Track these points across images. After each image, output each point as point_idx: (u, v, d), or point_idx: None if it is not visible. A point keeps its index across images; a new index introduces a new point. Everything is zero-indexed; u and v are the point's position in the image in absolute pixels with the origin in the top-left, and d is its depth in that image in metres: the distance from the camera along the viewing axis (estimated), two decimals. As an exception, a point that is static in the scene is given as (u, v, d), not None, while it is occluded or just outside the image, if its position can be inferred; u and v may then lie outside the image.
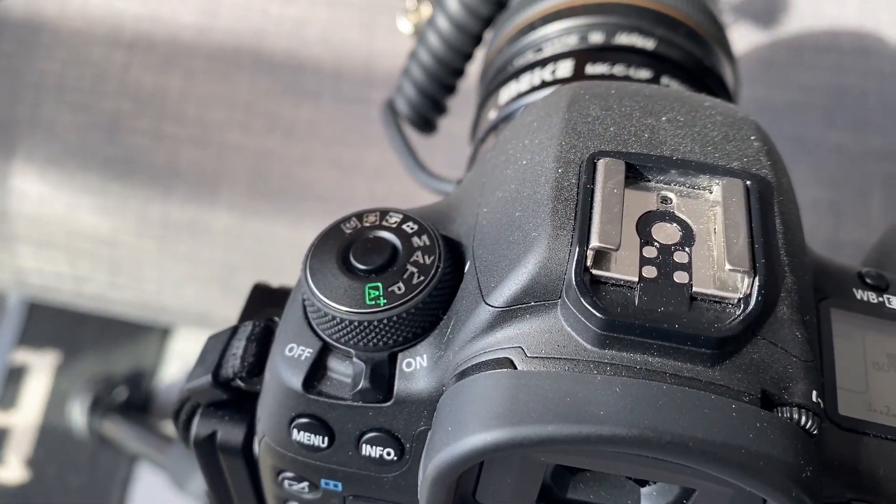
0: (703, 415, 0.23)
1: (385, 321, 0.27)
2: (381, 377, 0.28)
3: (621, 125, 0.28)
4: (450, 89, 0.54)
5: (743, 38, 0.80)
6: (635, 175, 0.27)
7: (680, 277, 0.24)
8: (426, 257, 0.28)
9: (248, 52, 0.79)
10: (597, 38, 0.44)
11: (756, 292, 0.24)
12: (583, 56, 0.43)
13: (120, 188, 0.77)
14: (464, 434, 0.24)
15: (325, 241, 0.29)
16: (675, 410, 0.23)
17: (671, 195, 0.26)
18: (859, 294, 0.31)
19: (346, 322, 0.28)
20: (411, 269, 0.28)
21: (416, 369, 0.28)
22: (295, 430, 0.29)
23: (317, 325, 0.29)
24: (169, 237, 0.77)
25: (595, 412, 0.23)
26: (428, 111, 0.55)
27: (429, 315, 0.28)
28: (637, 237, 0.25)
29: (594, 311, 0.24)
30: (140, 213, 0.77)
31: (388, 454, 0.29)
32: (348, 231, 0.29)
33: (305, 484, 0.31)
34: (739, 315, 0.24)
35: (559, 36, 0.45)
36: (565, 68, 0.42)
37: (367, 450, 0.29)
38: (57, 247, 0.78)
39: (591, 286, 0.24)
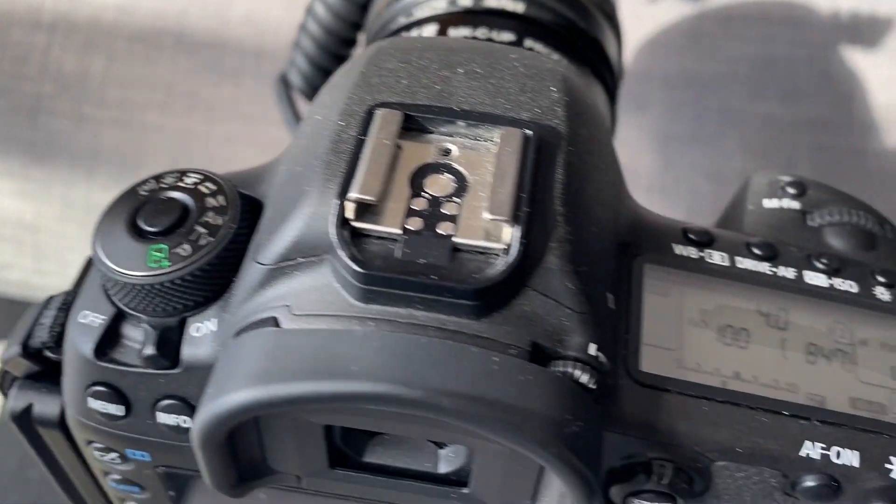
0: (460, 368, 0.22)
1: (168, 284, 0.27)
2: (169, 343, 0.27)
3: (415, 77, 0.27)
4: (341, 59, 0.54)
5: (670, 10, 0.79)
6: (418, 127, 0.26)
7: (444, 229, 0.24)
8: (218, 217, 0.28)
9: (171, 32, 0.78)
10: (466, 1, 0.43)
11: (517, 241, 0.23)
12: (447, 19, 0.42)
13: (42, 172, 0.76)
14: (219, 396, 0.23)
15: (119, 205, 0.28)
16: (430, 364, 0.22)
17: (452, 147, 0.25)
18: (678, 249, 0.30)
19: (130, 286, 0.27)
20: (200, 230, 0.27)
21: (205, 334, 0.27)
22: (91, 399, 0.28)
23: (109, 291, 0.28)
24: (93, 221, 0.76)
25: (348, 368, 0.22)
26: (321, 83, 0.54)
27: (219, 277, 0.27)
28: (409, 189, 0.24)
29: (353, 265, 0.23)
30: (63, 197, 0.76)
31: (185, 422, 0.28)
32: (143, 193, 0.28)
33: (115, 455, 0.30)
34: (500, 265, 0.23)
35: (427, 0, 0.44)
36: (429, 32, 0.42)
37: (163, 417, 0.28)
38: (-22, 233, 0.78)
39: (353, 239, 0.23)
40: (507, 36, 0.41)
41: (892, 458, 0.27)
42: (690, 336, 0.28)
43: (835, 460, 0.27)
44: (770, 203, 0.33)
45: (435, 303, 0.23)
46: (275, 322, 0.24)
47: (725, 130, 0.76)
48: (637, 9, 0.79)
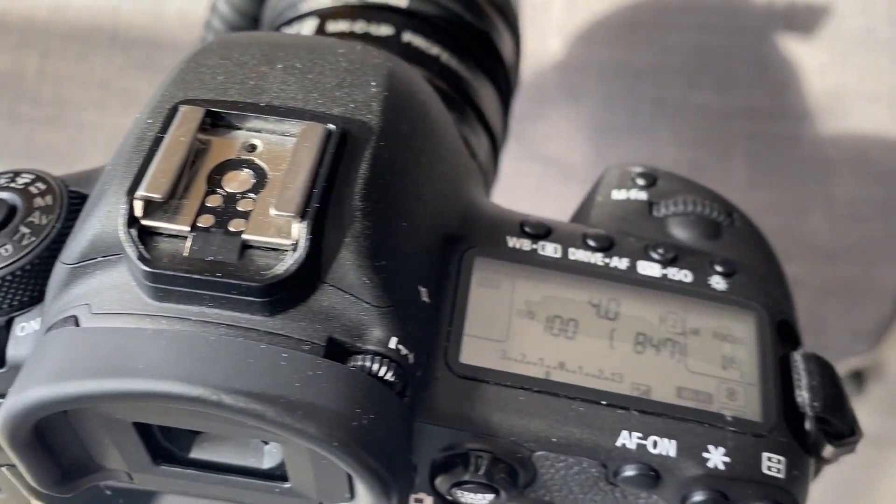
0: (246, 365, 0.23)
1: (-11, 284, 0.27)
2: None
3: (231, 74, 0.27)
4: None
5: (603, 0, 0.79)
6: (226, 123, 0.26)
7: (236, 226, 0.24)
8: (43, 217, 0.28)
9: (105, 29, 0.78)
10: (351, -4, 0.43)
11: (305, 237, 0.23)
12: (327, 14, 0.42)
13: (-22, 172, 0.76)
14: (14, 394, 0.23)
15: None
16: (214, 361, 0.22)
17: (258, 142, 0.26)
18: (512, 242, 0.30)
19: (-49, 285, 0.27)
20: (24, 230, 0.27)
21: (29, 333, 0.27)
22: None
23: None
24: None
25: (135, 366, 0.22)
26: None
27: (44, 277, 0.27)
28: (206, 186, 0.24)
29: (139, 264, 0.23)
30: None
31: (16, 420, 0.28)
32: None
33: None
34: (288, 261, 0.23)
35: (314, -5, 0.44)
36: (310, 27, 0.42)
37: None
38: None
39: (143, 238, 0.23)
40: (386, 29, 0.41)
41: (709, 447, 0.27)
42: (518, 327, 0.28)
43: (651, 450, 0.27)
44: (618, 195, 0.33)
45: (225, 300, 0.23)
46: (75, 321, 0.24)
47: (660, 120, 0.76)
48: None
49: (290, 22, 0.43)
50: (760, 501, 0.27)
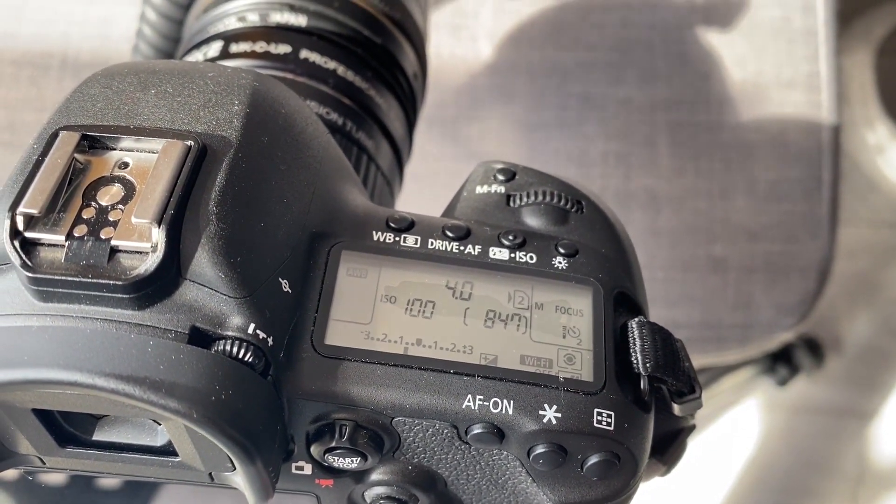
0: (118, 352, 0.26)
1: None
2: None
3: (109, 101, 0.31)
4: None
5: (532, 4, 0.83)
6: (102, 145, 0.30)
7: (106, 233, 0.28)
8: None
9: (55, 54, 0.81)
10: (253, 17, 0.47)
11: (162, 240, 0.27)
12: (231, 36, 0.46)
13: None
14: None
15: None
16: (90, 350, 0.26)
17: (129, 160, 0.29)
18: (376, 236, 0.34)
19: None
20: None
21: None
22: None
23: None
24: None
25: (21, 357, 0.26)
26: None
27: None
28: (81, 200, 0.28)
29: (23, 271, 0.27)
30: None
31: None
32: None
33: None
34: (150, 261, 0.27)
35: (221, 18, 0.47)
36: (215, 49, 0.45)
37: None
38: None
39: (25, 248, 0.27)
40: (284, 48, 0.45)
41: (544, 406, 0.31)
42: (381, 311, 0.32)
43: (492, 410, 0.31)
44: (480, 189, 0.37)
45: (99, 298, 0.27)
46: (-28, 323, 0.28)
47: (587, 115, 0.80)
48: (500, 4, 0.82)
49: (199, 45, 0.46)
50: (596, 452, 0.31)
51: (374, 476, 0.33)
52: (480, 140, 0.81)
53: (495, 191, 0.36)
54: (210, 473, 0.31)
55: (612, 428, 0.31)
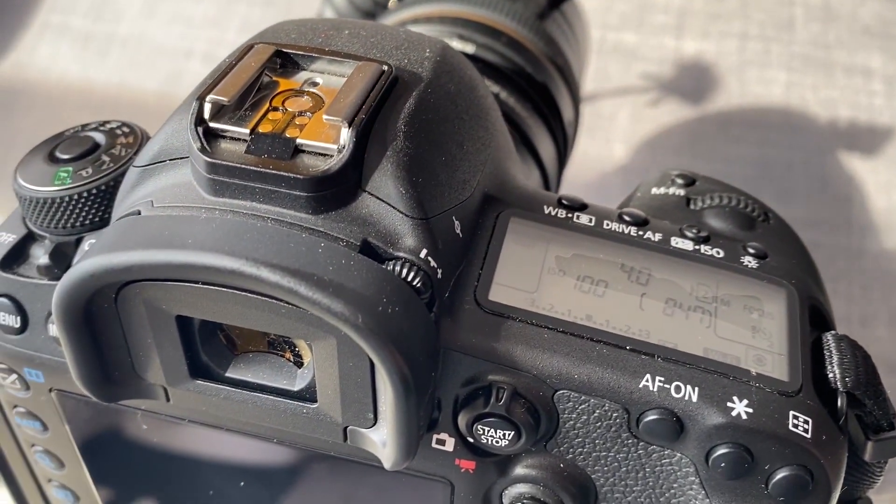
0: (286, 247, 0.24)
1: (67, 199, 0.29)
2: (63, 256, 0.30)
3: (303, 33, 0.30)
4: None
5: (672, 112, 0.82)
6: (294, 66, 0.29)
7: (291, 133, 0.26)
8: (123, 150, 0.31)
9: None
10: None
11: (350, 142, 0.25)
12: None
13: None
14: (70, 269, 0.25)
15: (45, 142, 0.32)
16: (257, 242, 0.24)
17: (320, 80, 0.28)
18: (548, 210, 0.31)
19: (35, 201, 0.30)
20: (105, 158, 0.30)
21: (93, 244, 0.29)
22: None
23: (24, 214, 0.31)
24: None
25: (183, 241, 0.24)
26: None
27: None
28: (268, 105, 0.27)
29: (202, 155, 0.25)
30: None
31: (73, 334, 0.30)
32: (68, 134, 0.32)
33: (14, 377, 0.32)
34: (335, 161, 0.25)
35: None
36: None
37: (53, 330, 0.30)
38: None
39: (207, 137, 0.26)
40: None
41: (734, 398, 0.27)
42: (548, 281, 0.29)
43: (674, 394, 0.27)
44: (657, 191, 0.34)
45: (274, 195, 0.25)
46: (138, 213, 0.26)
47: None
48: (637, 111, 0.83)
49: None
50: (787, 464, 0.27)
51: (520, 470, 0.29)
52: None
53: (674, 193, 0.34)
54: (345, 430, 0.28)
55: (809, 436, 0.27)
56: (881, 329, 0.74)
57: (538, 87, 0.48)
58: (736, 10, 0.90)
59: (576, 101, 0.52)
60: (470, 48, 0.47)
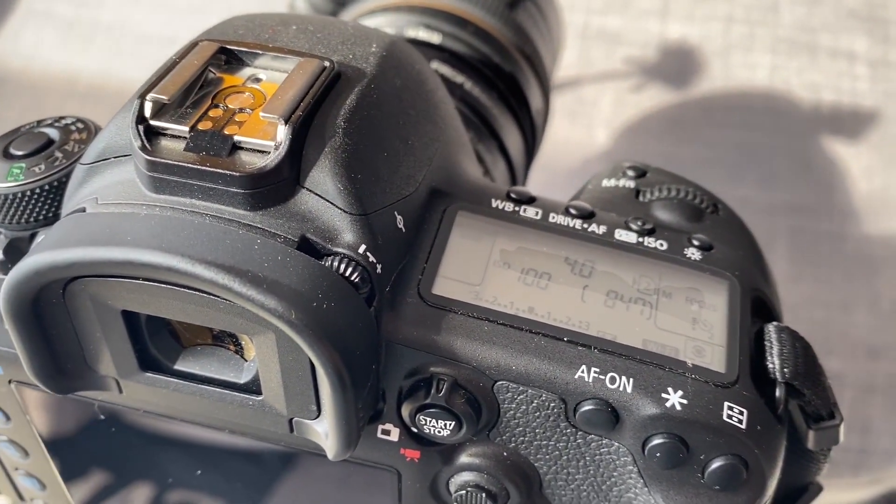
0: (222, 244, 0.25)
1: (20, 195, 0.30)
2: (17, 250, 0.30)
3: (250, 29, 0.31)
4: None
5: (655, 97, 0.82)
6: (237, 62, 0.29)
7: (230, 130, 0.27)
8: (76, 146, 0.31)
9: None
10: (388, 31, 0.47)
11: (286, 138, 0.26)
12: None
13: None
14: (15, 267, 0.26)
15: (1, 139, 0.32)
16: (194, 239, 0.25)
17: (263, 76, 0.29)
18: (495, 203, 0.32)
19: (-10, 197, 0.30)
20: (58, 154, 0.31)
21: (45, 238, 0.30)
22: None
23: None
24: None
25: (123, 238, 0.25)
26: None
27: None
28: (209, 102, 0.28)
29: (142, 153, 0.26)
30: None
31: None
32: (23, 129, 0.32)
33: (-23, 369, 0.33)
34: (271, 158, 0.26)
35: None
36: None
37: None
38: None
39: (147, 134, 0.26)
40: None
41: (668, 389, 0.27)
42: (493, 274, 0.30)
43: (608, 385, 0.27)
44: (608, 182, 0.35)
45: (213, 192, 0.26)
46: (83, 210, 0.27)
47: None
48: (621, 96, 0.83)
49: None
50: (722, 454, 0.27)
51: (464, 458, 0.30)
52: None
53: (624, 185, 0.34)
54: (291, 421, 0.28)
55: (743, 427, 0.27)
56: (862, 314, 0.75)
57: (505, 77, 0.48)
58: (721, -6, 0.90)
59: (545, 90, 0.52)
60: (436, 38, 0.47)
